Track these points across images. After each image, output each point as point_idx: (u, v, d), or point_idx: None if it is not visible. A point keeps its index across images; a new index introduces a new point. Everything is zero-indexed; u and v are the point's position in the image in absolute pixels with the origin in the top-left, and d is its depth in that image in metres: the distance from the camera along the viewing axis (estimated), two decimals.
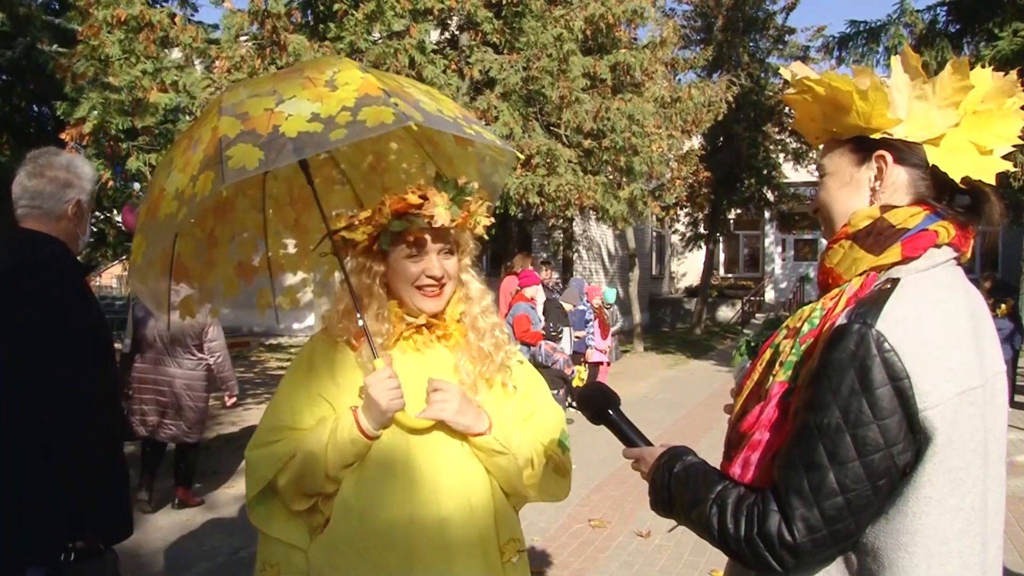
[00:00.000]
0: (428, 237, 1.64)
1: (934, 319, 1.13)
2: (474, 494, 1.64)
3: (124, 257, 9.10)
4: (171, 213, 1.49)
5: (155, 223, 1.57)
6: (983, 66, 1.25)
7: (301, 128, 1.42)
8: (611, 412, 1.50)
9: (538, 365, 7.97)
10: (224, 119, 1.47)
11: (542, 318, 8.35)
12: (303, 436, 1.63)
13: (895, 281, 1.17)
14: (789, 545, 1.11)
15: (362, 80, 1.55)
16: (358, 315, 1.65)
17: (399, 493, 1.59)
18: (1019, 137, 1.22)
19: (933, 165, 1.20)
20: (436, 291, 1.67)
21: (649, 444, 1.46)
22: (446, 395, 1.60)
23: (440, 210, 1.61)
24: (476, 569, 1.61)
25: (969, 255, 1.25)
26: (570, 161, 9.34)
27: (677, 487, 1.29)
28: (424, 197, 1.62)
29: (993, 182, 1.19)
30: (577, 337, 9.20)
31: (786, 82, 1.33)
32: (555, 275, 11.74)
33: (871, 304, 1.14)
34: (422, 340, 1.71)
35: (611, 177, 10.84)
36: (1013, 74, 1.22)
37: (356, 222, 1.67)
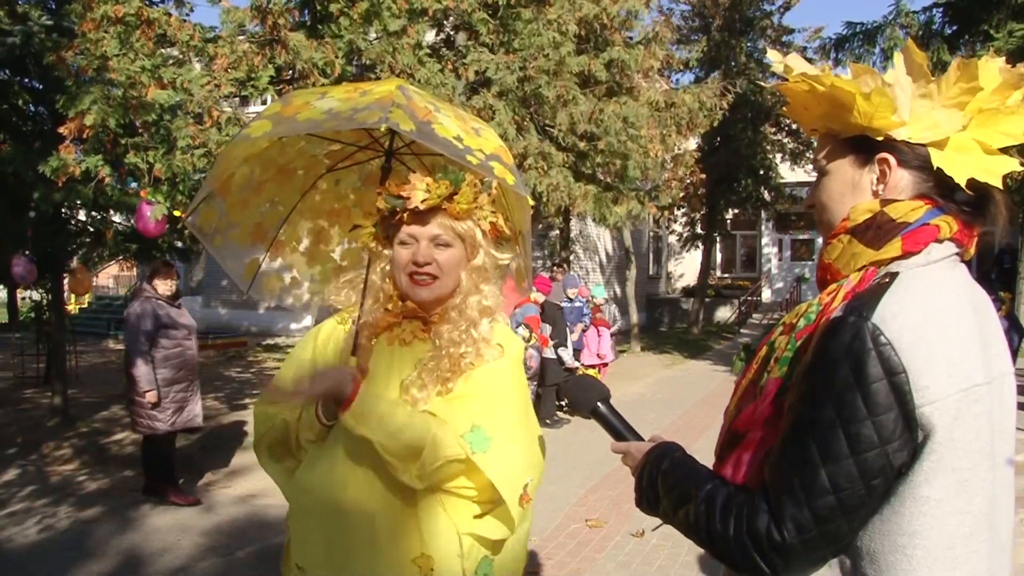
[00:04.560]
0: (412, 220, 1.66)
1: (934, 313, 1.08)
2: (402, 500, 1.63)
3: (120, 257, 9.05)
4: (315, 119, 1.68)
5: (291, 120, 1.72)
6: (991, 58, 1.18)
7: (448, 136, 1.67)
8: (600, 405, 1.45)
9: (545, 359, 8.16)
10: (399, 92, 1.72)
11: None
12: (290, 405, 1.76)
13: (894, 275, 1.13)
14: (778, 545, 1.07)
15: (499, 146, 1.83)
16: (359, 307, 1.73)
17: (334, 482, 1.65)
18: None
19: (937, 167, 1.15)
20: (426, 280, 1.67)
21: (639, 438, 1.41)
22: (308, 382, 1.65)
23: (418, 192, 1.64)
24: (396, 572, 1.61)
25: (973, 252, 1.20)
26: (564, 164, 9.33)
27: (664, 485, 1.24)
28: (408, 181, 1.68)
29: (1000, 185, 1.14)
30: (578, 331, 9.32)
31: (780, 74, 1.27)
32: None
33: (868, 297, 1.10)
34: (410, 330, 1.72)
35: (608, 180, 10.84)
36: (1021, 66, 1.15)
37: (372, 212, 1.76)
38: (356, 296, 1.79)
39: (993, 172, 1.14)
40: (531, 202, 1.85)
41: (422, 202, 1.64)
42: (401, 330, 1.73)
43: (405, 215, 1.67)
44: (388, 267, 1.75)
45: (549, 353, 8.47)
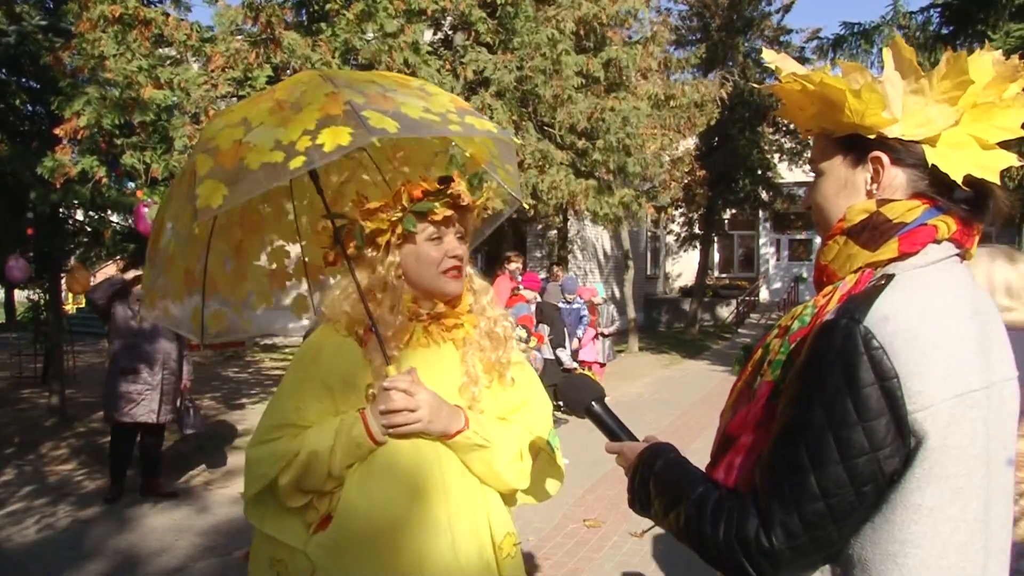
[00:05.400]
0: (454, 216, 1.67)
1: (929, 316, 1.05)
2: (474, 492, 1.64)
3: (118, 257, 9.03)
4: (276, 162, 1.37)
5: (241, 171, 1.40)
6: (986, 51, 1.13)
7: (420, 114, 1.48)
8: (594, 404, 1.43)
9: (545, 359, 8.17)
10: (344, 92, 1.46)
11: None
12: (307, 434, 1.61)
13: (890, 277, 1.09)
14: (767, 551, 1.04)
15: (452, 98, 1.62)
16: (368, 317, 1.63)
17: (407, 495, 1.57)
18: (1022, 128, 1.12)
19: (932, 165, 1.11)
20: (457, 273, 1.69)
21: (634, 438, 1.39)
22: (411, 410, 1.56)
23: (464, 188, 1.66)
24: (478, 567, 1.60)
25: (975, 252, 1.17)
26: (562, 163, 9.34)
27: (656, 486, 1.22)
28: (445, 180, 1.66)
29: (997, 180, 1.10)
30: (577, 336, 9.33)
31: (774, 73, 1.24)
32: (541, 273, 11.89)
33: (862, 300, 1.07)
34: (436, 332, 1.70)
35: (605, 179, 10.84)
36: (1015, 58, 1.12)
37: (371, 211, 1.67)
38: (350, 304, 1.69)
39: (990, 168, 1.11)
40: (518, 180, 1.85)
41: (473, 200, 1.68)
42: (426, 332, 1.69)
43: (452, 213, 1.66)
44: (398, 265, 1.67)
45: (547, 353, 8.48)
